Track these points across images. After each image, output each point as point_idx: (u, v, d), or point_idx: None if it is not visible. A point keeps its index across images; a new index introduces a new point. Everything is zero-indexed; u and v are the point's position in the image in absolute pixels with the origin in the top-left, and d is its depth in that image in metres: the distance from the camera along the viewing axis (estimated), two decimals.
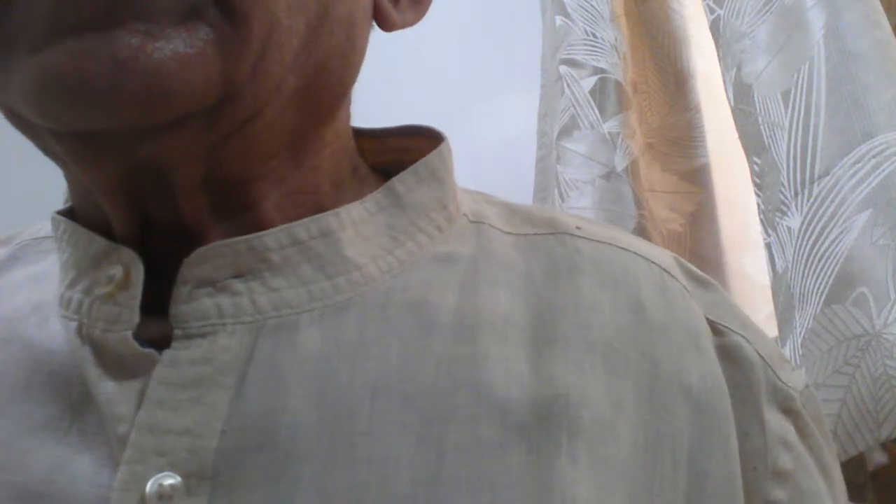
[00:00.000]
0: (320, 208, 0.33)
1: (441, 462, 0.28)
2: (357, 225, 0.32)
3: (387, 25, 0.35)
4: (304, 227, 0.31)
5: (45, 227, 0.37)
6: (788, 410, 0.34)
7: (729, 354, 0.34)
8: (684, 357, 0.32)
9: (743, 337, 0.34)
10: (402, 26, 0.36)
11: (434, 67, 1.05)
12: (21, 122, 0.29)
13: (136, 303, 0.29)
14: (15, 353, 0.31)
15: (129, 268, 0.30)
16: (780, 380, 0.34)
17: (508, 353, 0.30)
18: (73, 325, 0.31)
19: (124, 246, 0.30)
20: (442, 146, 0.37)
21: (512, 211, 0.37)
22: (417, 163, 0.35)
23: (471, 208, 0.37)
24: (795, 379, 0.35)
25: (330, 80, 0.32)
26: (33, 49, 0.26)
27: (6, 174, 1.11)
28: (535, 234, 0.35)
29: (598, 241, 0.35)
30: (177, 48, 0.26)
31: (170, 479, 0.27)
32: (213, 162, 0.29)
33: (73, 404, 0.29)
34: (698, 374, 0.32)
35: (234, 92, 0.27)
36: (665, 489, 0.30)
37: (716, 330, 0.34)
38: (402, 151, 0.37)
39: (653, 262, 0.35)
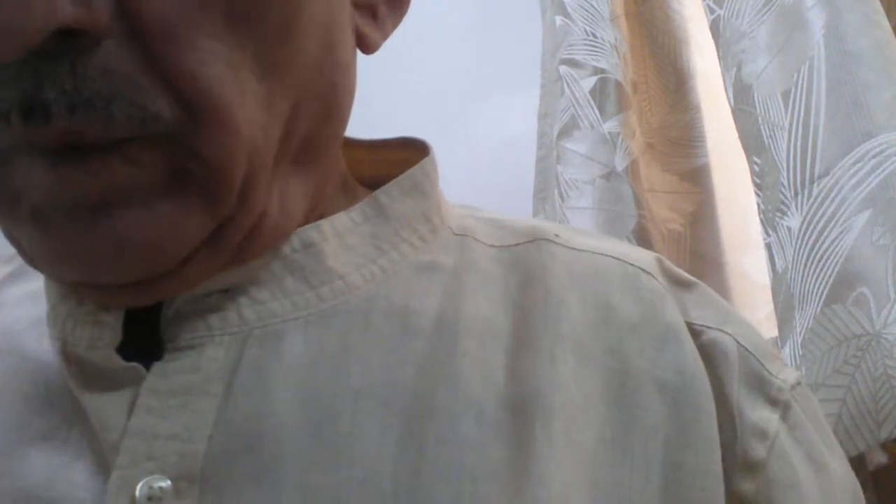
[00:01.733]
0: (306, 222, 0.33)
1: (422, 457, 0.28)
2: (341, 235, 0.33)
3: (370, 49, 0.35)
4: (287, 242, 0.32)
5: None
6: (775, 401, 0.34)
7: (706, 352, 0.34)
8: (659, 353, 0.33)
9: (721, 331, 0.34)
10: (384, 40, 0.36)
11: (434, 67, 1.05)
12: (21, 252, 0.30)
13: (119, 322, 0.30)
14: (14, 364, 0.32)
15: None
16: (767, 370, 0.34)
17: (486, 355, 0.31)
18: (58, 344, 0.32)
19: None
20: (425, 160, 0.37)
21: (496, 225, 0.38)
22: (401, 176, 0.36)
23: (456, 222, 0.38)
24: (787, 373, 0.35)
25: (319, 145, 0.33)
26: (36, 219, 0.27)
27: None
28: (516, 244, 0.36)
29: (572, 248, 0.36)
30: (167, 213, 0.27)
31: (159, 482, 0.27)
32: (232, 269, 0.31)
33: (67, 415, 0.30)
34: (675, 369, 0.33)
35: (227, 220, 0.29)
36: (635, 482, 0.30)
37: (693, 331, 0.34)
38: (394, 164, 0.38)
39: (629, 264, 0.36)
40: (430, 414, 0.29)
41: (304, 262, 0.32)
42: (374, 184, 0.37)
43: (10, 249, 0.40)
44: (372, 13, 0.35)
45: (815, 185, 0.61)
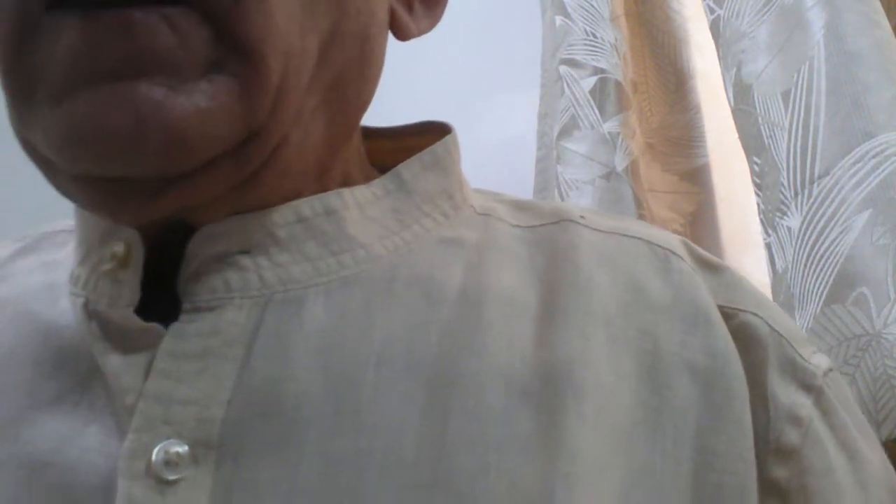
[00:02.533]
0: (322, 185, 0.33)
1: (446, 427, 0.28)
2: (362, 207, 0.33)
3: (403, 34, 0.36)
4: (308, 205, 0.31)
5: (63, 223, 0.38)
6: (808, 387, 0.33)
7: (739, 335, 0.33)
8: (690, 335, 0.32)
9: (754, 314, 0.34)
10: (418, 34, 0.36)
11: (433, 67, 1.05)
12: (39, 160, 0.29)
13: (137, 280, 0.30)
14: (25, 328, 0.32)
15: (132, 245, 0.30)
16: (800, 355, 0.33)
17: (513, 326, 0.31)
18: (81, 300, 0.31)
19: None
20: (447, 137, 0.37)
21: (519, 206, 0.38)
22: (422, 152, 0.35)
23: (478, 203, 0.37)
24: (819, 358, 0.34)
25: (347, 94, 0.32)
26: (54, 99, 0.26)
27: (9, 175, 1.11)
28: (541, 224, 0.36)
29: (598, 230, 0.35)
30: (198, 103, 0.26)
31: (176, 447, 0.27)
32: (240, 201, 0.30)
33: (81, 378, 0.30)
34: (706, 352, 0.32)
35: (257, 128, 0.28)
36: (666, 466, 0.29)
37: (725, 314, 0.33)
38: (413, 150, 0.37)
39: (657, 245, 0.35)
40: (454, 382, 0.28)
41: (325, 228, 0.31)
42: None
43: (21, 233, 0.41)
44: (408, 4, 0.36)
45: (815, 185, 0.61)
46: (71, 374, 0.30)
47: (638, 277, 0.33)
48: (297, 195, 0.32)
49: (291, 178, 0.31)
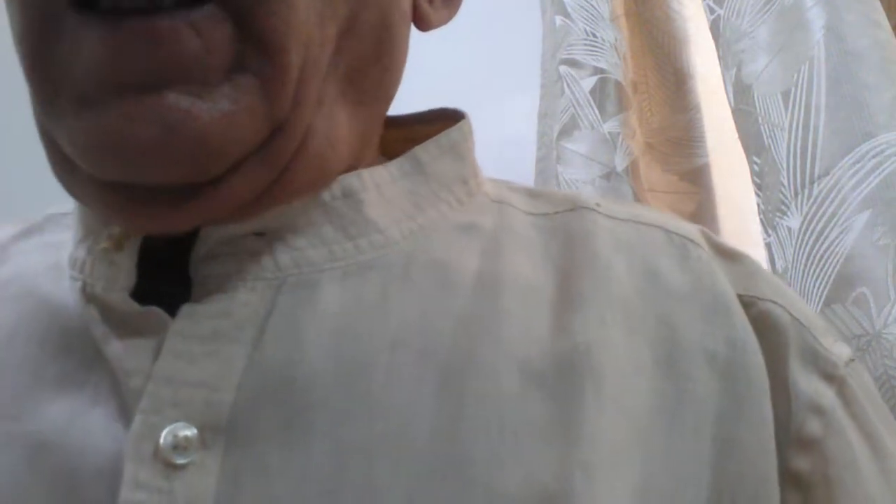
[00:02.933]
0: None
1: (461, 412, 0.27)
2: (380, 187, 0.32)
3: (424, 25, 0.35)
4: (327, 189, 0.31)
5: (70, 206, 0.38)
6: (830, 377, 0.32)
7: (759, 324, 0.32)
8: (709, 324, 0.31)
9: (773, 303, 0.33)
10: (437, 25, 0.36)
11: (433, 67, 1.05)
12: (56, 154, 0.28)
13: (132, 263, 0.29)
14: (30, 307, 0.31)
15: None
16: (822, 345, 0.33)
17: (529, 312, 0.30)
18: (78, 284, 0.31)
19: None
20: (463, 122, 0.37)
21: (533, 195, 0.37)
22: (439, 135, 0.35)
23: (492, 191, 0.37)
24: (840, 348, 0.33)
25: (366, 82, 0.32)
26: (80, 104, 0.26)
27: (9, 165, 1.11)
28: (555, 212, 0.35)
29: (614, 217, 0.35)
30: (223, 108, 0.26)
31: (185, 431, 0.26)
32: (270, 206, 0.29)
33: (86, 360, 0.29)
34: (725, 340, 0.31)
35: (281, 122, 0.27)
36: (686, 455, 0.29)
37: (745, 303, 0.33)
38: (427, 139, 0.37)
39: (674, 233, 0.34)
40: (469, 368, 0.28)
41: (343, 211, 0.31)
42: None
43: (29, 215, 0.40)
44: None
45: (815, 185, 0.61)
46: (76, 354, 0.29)
47: (656, 265, 0.33)
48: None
49: (324, 170, 0.30)
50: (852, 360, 0.34)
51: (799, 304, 0.34)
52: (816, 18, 0.64)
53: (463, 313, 0.29)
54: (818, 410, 0.31)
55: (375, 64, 0.32)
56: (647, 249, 0.33)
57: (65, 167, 0.29)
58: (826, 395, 0.32)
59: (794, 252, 0.62)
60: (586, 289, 0.31)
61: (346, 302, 0.29)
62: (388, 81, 0.34)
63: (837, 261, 0.58)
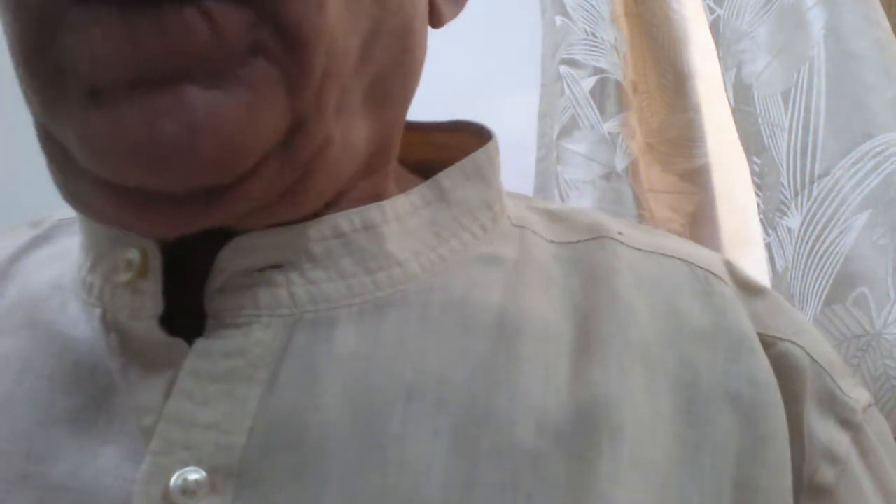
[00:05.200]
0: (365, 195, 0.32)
1: (474, 468, 0.26)
2: (401, 218, 0.31)
3: (439, 22, 0.35)
4: (347, 219, 0.30)
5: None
6: (847, 422, 0.31)
7: (778, 365, 0.32)
8: (733, 363, 0.31)
9: (793, 343, 0.32)
10: (448, 20, 0.35)
11: (433, 67, 1.05)
12: (56, 154, 0.27)
13: (159, 289, 0.28)
14: (40, 339, 0.31)
15: (147, 252, 0.29)
16: (840, 389, 0.32)
17: (548, 360, 0.29)
18: (98, 311, 0.30)
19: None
20: (489, 144, 0.36)
21: (554, 217, 0.36)
22: (464, 159, 0.34)
23: (514, 212, 0.36)
24: (859, 392, 0.33)
25: (389, 89, 0.31)
26: (91, 98, 0.24)
27: (10, 162, 1.11)
28: (578, 241, 0.34)
29: (637, 248, 0.34)
30: (242, 97, 0.24)
31: (194, 475, 0.26)
32: (286, 209, 0.28)
33: (97, 395, 0.28)
34: (749, 380, 0.30)
35: (300, 123, 0.26)
36: (705, 503, 0.28)
37: (765, 342, 0.32)
38: (444, 148, 0.36)
39: (698, 267, 0.34)
40: (485, 420, 0.27)
41: (363, 244, 0.30)
42: (422, 168, 0.36)
43: (36, 216, 0.39)
44: None
45: (815, 185, 0.61)
46: (87, 390, 0.29)
47: (678, 302, 0.32)
48: (346, 196, 0.31)
49: (340, 178, 0.30)
50: (871, 405, 0.33)
51: (819, 343, 0.34)
52: (816, 19, 0.64)
53: (480, 360, 0.29)
54: (833, 458, 0.30)
55: (398, 69, 0.31)
56: (670, 287, 0.33)
57: (64, 169, 0.27)
58: (842, 442, 0.31)
59: (794, 252, 0.62)
60: (606, 333, 0.30)
61: (362, 344, 0.28)
62: (411, 84, 0.33)
63: (837, 261, 0.58)
